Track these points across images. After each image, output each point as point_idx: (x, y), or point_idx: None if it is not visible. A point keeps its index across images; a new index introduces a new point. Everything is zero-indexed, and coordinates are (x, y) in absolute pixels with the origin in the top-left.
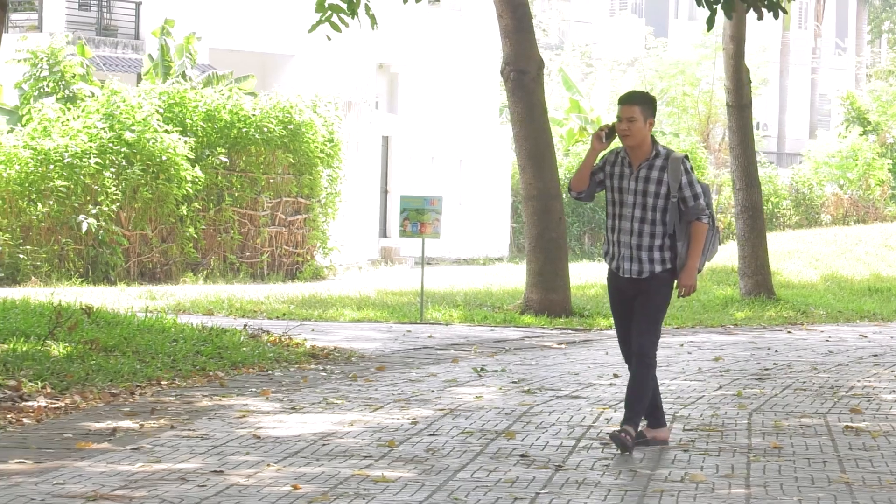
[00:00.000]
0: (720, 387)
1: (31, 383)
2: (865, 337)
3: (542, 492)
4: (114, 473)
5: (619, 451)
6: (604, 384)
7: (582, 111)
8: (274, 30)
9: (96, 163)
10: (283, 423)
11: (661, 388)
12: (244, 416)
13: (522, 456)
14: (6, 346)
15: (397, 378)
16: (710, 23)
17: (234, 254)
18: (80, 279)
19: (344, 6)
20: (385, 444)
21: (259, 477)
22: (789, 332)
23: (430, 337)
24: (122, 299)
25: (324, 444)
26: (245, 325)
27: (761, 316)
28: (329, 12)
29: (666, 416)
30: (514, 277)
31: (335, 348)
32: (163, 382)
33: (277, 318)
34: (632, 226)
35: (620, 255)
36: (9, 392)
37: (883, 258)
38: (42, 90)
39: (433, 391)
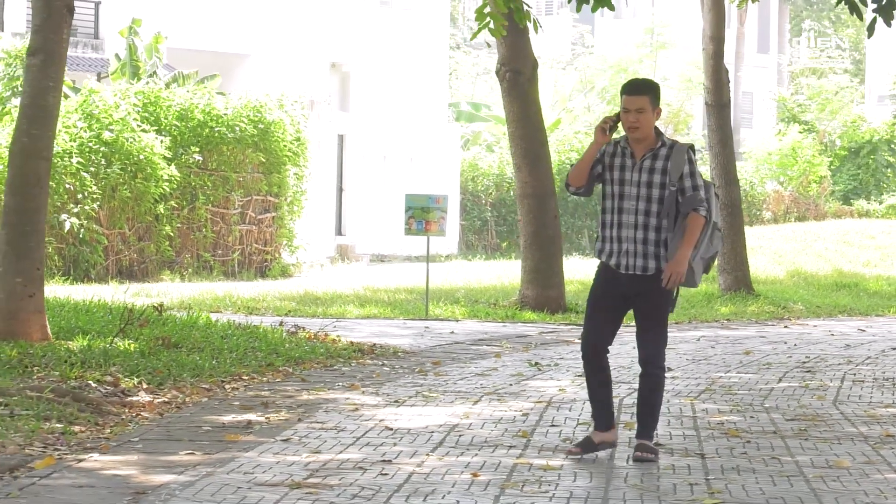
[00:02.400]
0: (779, 379)
1: (126, 379)
2: (864, 331)
3: (711, 478)
4: (289, 463)
5: (651, 459)
6: (667, 376)
7: None
8: (230, 29)
9: (78, 162)
10: (399, 415)
11: (719, 381)
12: (356, 409)
13: (656, 444)
14: (78, 343)
15: (462, 372)
16: (871, 30)
17: (208, 251)
18: (63, 278)
19: (501, 14)
20: (519, 435)
21: (429, 465)
22: (786, 326)
23: (451, 333)
24: (118, 297)
25: (460, 435)
26: (280, 322)
27: (744, 311)
28: (488, 19)
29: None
30: (479, 274)
31: (374, 344)
32: (243, 377)
33: (287, 314)
34: (636, 219)
35: (622, 250)
36: (109, 388)
37: (842, 254)
38: (16, 90)
39: (510, 384)
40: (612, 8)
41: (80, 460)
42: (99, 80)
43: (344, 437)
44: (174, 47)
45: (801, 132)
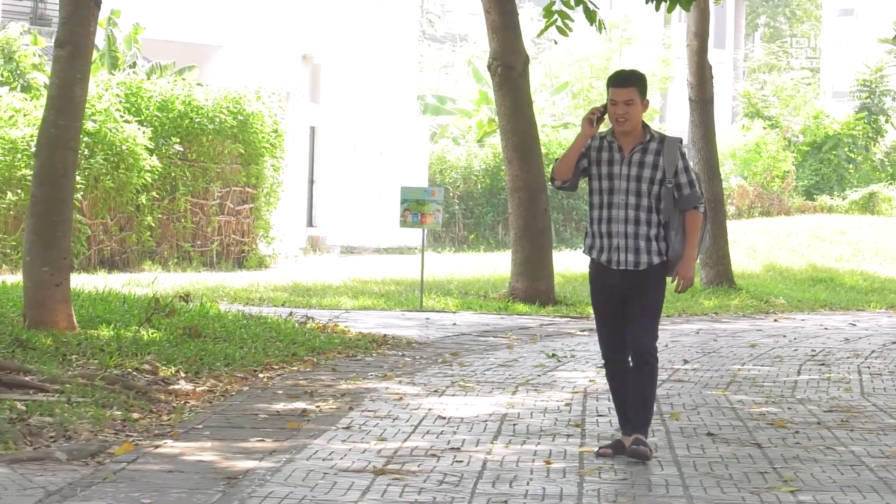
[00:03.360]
0: (798, 372)
1: (163, 367)
2: (854, 325)
3: (777, 467)
4: (361, 451)
5: (643, 462)
6: (683, 368)
7: (490, 102)
8: (203, 20)
9: None
10: (445, 405)
11: (739, 373)
12: (400, 398)
13: (709, 434)
14: (105, 332)
15: (484, 363)
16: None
17: (187, 242)
18: None
19: (569, 12)
20: (572, 425)
21: (497, 453)
22: (776, 320)
23: (454, 324)
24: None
25: (514, 424)
26: (290, 313)
27: (728, 305)
28: (555, 17)
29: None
30: (457, 266)
31: (385, 335)
32: (273, 366)
33: (283, 304)
34: (626, 214)
35: (612, 246)
36: (150, 376)
37: (815, 249)
38: None
39: (538, 375)
40: (687, 9)
41: (157, 446)
42: None
43: (401, 425)
44: (147, 38)
45: (764, 128)
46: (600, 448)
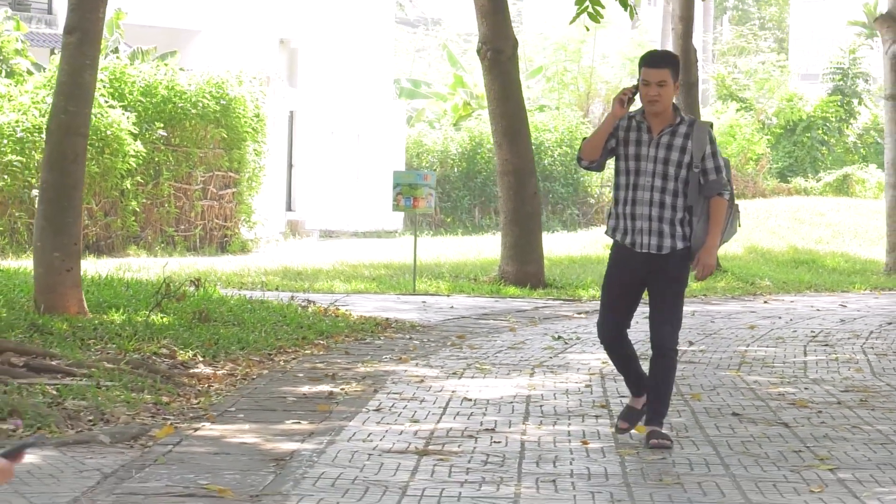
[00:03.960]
0: (804, 353)
1: (180, 351)
2: (845, 307)
3: (810, 445)
4: (398, 432)
5: (667, 446)
6: (690, 350)
7: (466, 86)
8: (182, 5)
9: None
10: (467, 386)
11: (747, 354)
12: (421, 380)
13: (734, 414)
14: (116, 317)
15: (492, 345)
16: None
17: (171, 227)
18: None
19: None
20: (598, 405)
21: (532, 434)
22: (765, 302)
23: (451, 308)
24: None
25: (540, 406)
26: (292, 297)
27: (715, 287)
28: (587, 4)
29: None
30: (440, 250)
31: (387, 319)
32: (287, 350)
33: (276, 289)
34: (651, 196)
35: (636, 228)
36: (169, 360)
37: (795, 231)
38: None
39: (550, 357)
40: None
41: (196, 429)
42: (53, 54)
43: (429, 407)
44: (128, 23)
45: (738, 110)
46: (618, 422)
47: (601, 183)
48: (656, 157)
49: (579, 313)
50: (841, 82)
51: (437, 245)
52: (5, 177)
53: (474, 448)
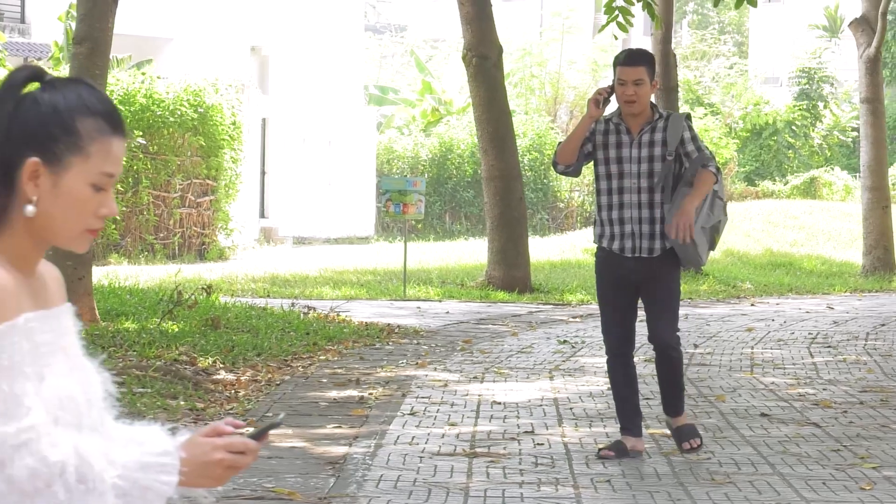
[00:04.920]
0: (811, 354)
1: (200, 358)
2: (832, 308)
3: (846, 444)
4: (440, 435)
5: (699, 448)
6: (697, 352)
7: (434, 92)
8: (154, 13)
9: None
10: (492, 390)
11: (755, 356)
12: (445, 384)
13: (763, 415)
14: (128, 324)
15: (502, 349)
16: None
17: (150, 234)
18: None
19: (630, 8)
20: None
21: (571, 435)
22: (753, 304)
23: (447, 313)
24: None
25: (570, 408)
26: (292, 304)
27: (698, 290)
28: (616, 13)
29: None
30: (417, 256)
31: (389, 324)
32: (302, 356)
33: (267, 295)
34: (639, 198)
35: (624, 233)
36: (190, 366)
37: (769, 234)
38: None
39: (563, 361)
40: (754, 4)
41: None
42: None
43: (461, 410)
44: None
45: (705, 115)
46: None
47: (570, 188)
48: (639, 156)
49: (574, 317)
50: (807, 86)
51: (415, 251)
52: None
53: (520, 450)
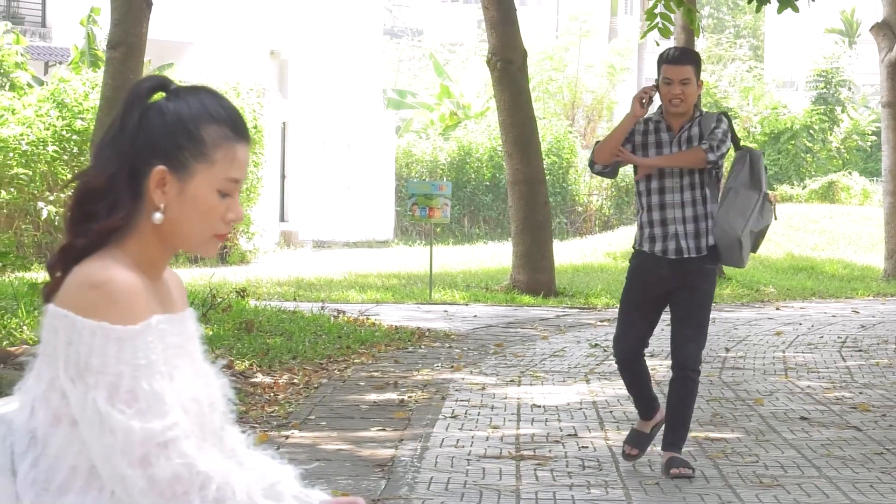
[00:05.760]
0: (843, 358)
1: (237, 361)
2: (858, 313)
3: (891, 448)
4: (484, 438)
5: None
6: (729, 356)
7: (452, 96)
8: (173, 17)
9: (54, 151)
10: (530, 393)
11: (788, 360)
12: (483, 388)
13: (803, 418)
14: None
15: (534, 353)
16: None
17: None
18: (41, 266)
19: (671, 14)
20: None
21: (615, 439)
22: (778, 308)
23: (475, 317)
24: None
25: (610, 411)
26: (322, 307)
27: (721, 294)
28: (658, 19)
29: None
30: (440, 259)
31: (419, 328)
32: (336, 359)
33: (294, 299)
34: (682, 197)
35: (668, 234)
36: (227, 370)
37: (790, 238)
38: None
39: (597, 364)
40: (795, 9)
41: (286, 437)
42: (46, 70)
43: (502, 413)
44: None
45: None
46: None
47: (589, 191)
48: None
49: (601, 321)
50: (824, 90)
51: (436, 254)
52: (11, 190)
53: (565, 453)
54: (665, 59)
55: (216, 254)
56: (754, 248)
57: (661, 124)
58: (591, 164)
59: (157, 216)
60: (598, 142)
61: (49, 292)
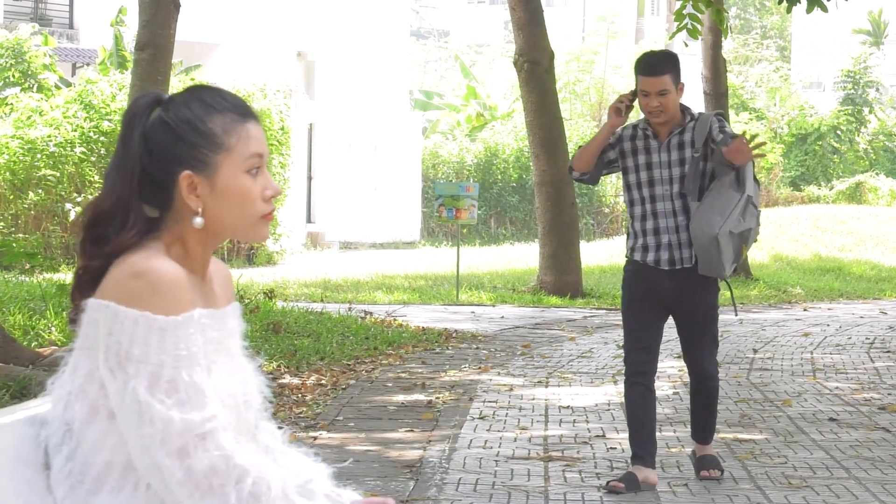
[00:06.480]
0: (871, 359)
1: (265, 362)
2: (885, 314)
3: None
4: (512, 439)
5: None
6: (757, 357)
7: (478, 97)
8: (200, 19)
9: (82, 152)
10: (558, 394)
11: (815, 361)
12: (511, 389)
13: (832, 419)
14: None
15: (561, 354)
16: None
17: None
18: (69, 266)
19: (700, 15)
20: None
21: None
22: (805, 309)
23: (502, 318)
24: None
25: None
26: (349, 308)
27: (748, 295)
28: (686, 20)
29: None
30: (466, 261)
31: (446, 329)
32: (364, 360)
33: (323, 300)
34: (673, 205)
35: (661, 244)
36: None
37: (817, 239)
38: (8, 80)
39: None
40: (824, 9)
41: (314, 437)
42: (74, 71)
43: (530, 414)
44: None
45: (749, 120)
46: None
47: (615, 192)
48: (669, 161)
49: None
50: (851, 91)
51: (463, 255)
52: (39, 191)
53: (593, 454)
54: (640, 70)
55: (268, 236)
56: (737, 258)
57: (648, 130)
58: (570, 170)
59: (198, 221)
60: (580, 146)
61: (73, 319)
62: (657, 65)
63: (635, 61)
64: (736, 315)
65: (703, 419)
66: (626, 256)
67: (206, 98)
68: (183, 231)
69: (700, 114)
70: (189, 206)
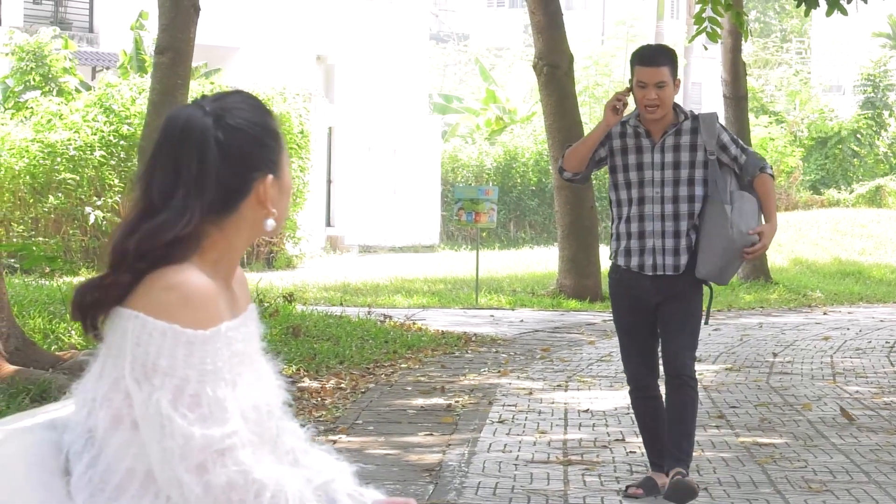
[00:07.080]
0: (892, 363)
1: (285, 366)
2: None
3: None
4: (531, 443)
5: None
6: (777, 361)
7: (498, 101)
8: (220, 22)
9: (101, 156)
10: (577, 398)
11: (836, 365)
12: (530, 392)
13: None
14: None
15: (581, 358)
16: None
17: None
18: (88, 270)
19: (720, 19)
20: (714, 416)
21: None
22: (825, 313)
23: (522, 321)
24: None
25: None
26: (369, 312)
27: (767, 299)
28: (706, 23)
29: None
30: (487, 264)
31: (465, 332)
32: (383, 364)
33: (341, 304)
34: (662, 209)
35: (644, 248)
36: None
37: (837, 242)
38: (28, 84)
39: None
40: (844, 13)
41: (334, 441)
42: (94, 75)
43: (549, 418)
44: None
45: (769, 123)
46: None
47: None
48: (662, 162)
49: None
50: (871, 94)
51: (482, 259)
52: (59, 195)
53: (613, 458)
54: (638, 60)
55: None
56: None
57: (640, 129)
58: (561, 170)
59: (271, 223)
60: (568, 146)
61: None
62: (656, 56)
63: (632, 54)
64: (707, 323)
65: (677, 431)
66: (610, 259)
67: (249, 100)
68: (228, 238)
69: (695, 113)
70: (264, 209)
